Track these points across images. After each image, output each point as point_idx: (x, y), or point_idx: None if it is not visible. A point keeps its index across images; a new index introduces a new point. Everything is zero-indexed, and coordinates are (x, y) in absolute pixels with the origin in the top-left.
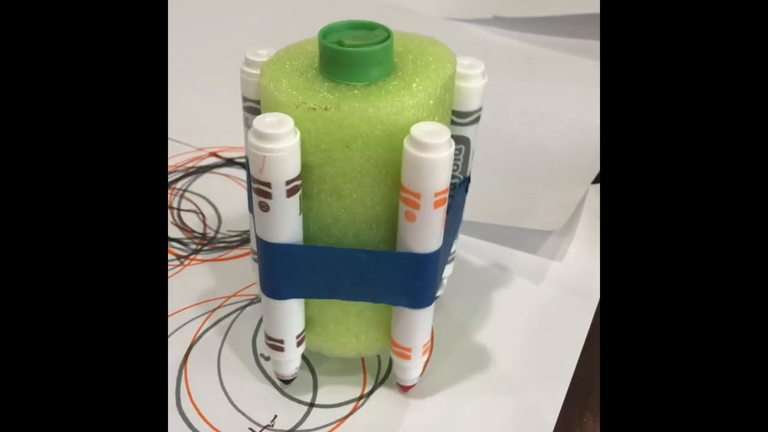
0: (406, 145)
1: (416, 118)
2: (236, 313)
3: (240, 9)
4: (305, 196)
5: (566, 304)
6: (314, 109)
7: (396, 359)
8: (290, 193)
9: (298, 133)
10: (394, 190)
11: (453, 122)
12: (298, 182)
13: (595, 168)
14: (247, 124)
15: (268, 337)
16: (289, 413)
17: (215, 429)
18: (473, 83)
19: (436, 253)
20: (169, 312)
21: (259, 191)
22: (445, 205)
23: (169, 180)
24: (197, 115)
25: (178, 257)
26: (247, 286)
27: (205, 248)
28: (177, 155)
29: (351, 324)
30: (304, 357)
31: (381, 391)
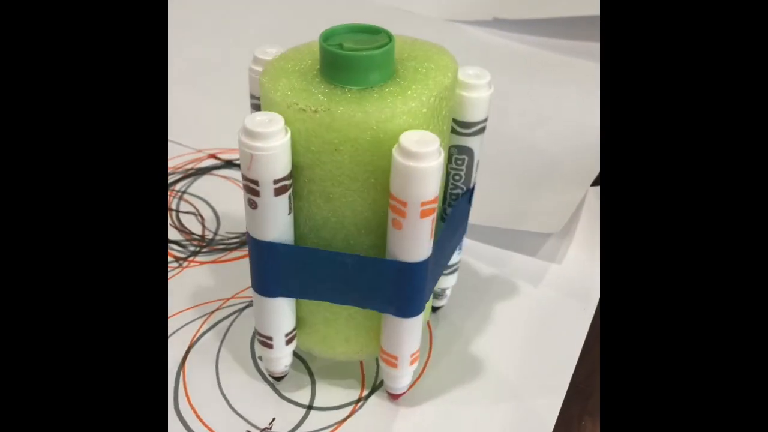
0: (394, 152)
1: (408, 125)
2: (235, 316)
3: (241, 10)
4: (296, 196)
5: (565, 307)
6: (304, 110)
7: (384, 366)
8: (278, 192)
9: (288, 133)
10: (385, 196)
11: (457, 132)
12: (287, 182)
13: (595, 170)
14: None
15: (258, 333)
16: (287, 416)
17: (213, 431)
18: (478, 93)
19: (425, 263)
20: (168, 314)
21: (247, 188)
22: (434, 215)
23: (168, 182)
24: (197, 117)
25: (177, 259)
26: (246, 288)
27: (204, 250)
28: (176, 157)
29: (340, 327)
30: (301, 359)
31: (379, 394)
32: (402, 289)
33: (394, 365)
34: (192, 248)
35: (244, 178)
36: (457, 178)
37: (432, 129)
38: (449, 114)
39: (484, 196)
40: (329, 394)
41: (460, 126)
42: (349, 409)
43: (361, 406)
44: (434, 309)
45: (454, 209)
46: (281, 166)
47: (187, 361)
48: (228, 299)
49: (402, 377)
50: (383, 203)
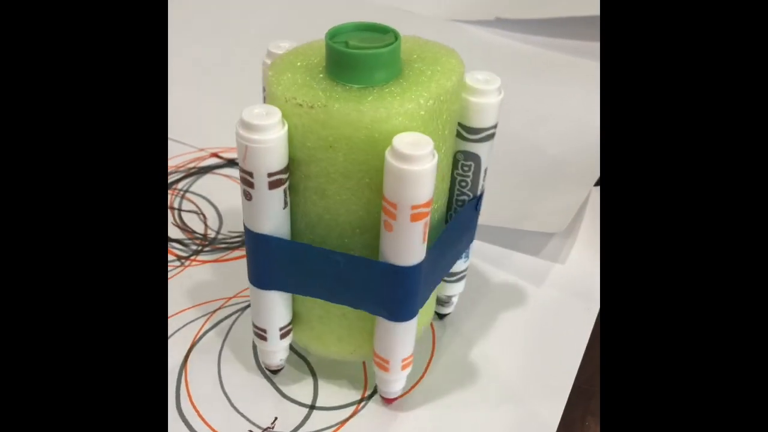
0: (387, 154)
1: (404, 127)
2: (237, 315)
3: (241, 9)
4: (293, 191)
5: (568, 307)
6: (301, 105)
7: (375, 370)
8: (273, 185)
9: (285, 127)
10: (379, 197)
11: (463, 137)
12: (282, 176)
13: (598, 170)
14: None
15: (254, 325)
16: (289, 415)
17: (215, 431)
18: (487, 99)
19: (417, 267)
20: (170, 313)
21: (243, 179)
22: (427, 219)
23: (170, 180)
24: (198, 116)
25: (179, 258)
26: (248, 288)
27: (206, 249)
28: (178, 156)
29: (334, 326)
30: (304, 358)
31: None
32: (394, 291)
33: (386, 369)
34: (194, 247)
35: (240, 169)
36: (463, 184)
37: (430, 132)
38: (452, 118)
39: (487, 195)
40: (332, 393)
41: (467, 131)
42: (351, 409)
43: (363, 407)
44: (441, 317)
45: (458, 215)
46: (276, 160)
47: (189, 360)
48: (230, 298)
49: (393, 382)
50: (377, 203)
